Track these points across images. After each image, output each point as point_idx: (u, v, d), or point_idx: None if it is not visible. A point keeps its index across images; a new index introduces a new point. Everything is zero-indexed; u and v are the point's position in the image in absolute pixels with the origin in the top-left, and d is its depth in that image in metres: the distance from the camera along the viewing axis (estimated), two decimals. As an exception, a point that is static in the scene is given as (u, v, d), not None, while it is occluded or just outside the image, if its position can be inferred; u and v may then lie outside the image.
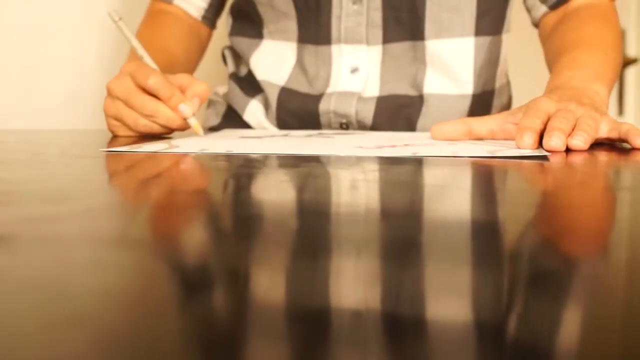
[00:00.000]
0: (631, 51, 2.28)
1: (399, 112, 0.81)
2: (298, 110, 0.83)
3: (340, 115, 0.81)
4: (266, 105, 0.86)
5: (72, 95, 1.09)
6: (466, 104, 0.82)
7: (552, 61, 0.76)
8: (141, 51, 0.71)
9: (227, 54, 0.93)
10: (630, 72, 2.32)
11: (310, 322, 0.14)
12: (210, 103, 0.94)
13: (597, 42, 0.73)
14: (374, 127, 0.81)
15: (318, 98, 0.81)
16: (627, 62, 2.27)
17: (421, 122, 0.81)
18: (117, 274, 0.18)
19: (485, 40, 0.81)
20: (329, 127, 0.82)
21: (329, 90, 0.81)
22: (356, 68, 0.80)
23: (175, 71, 0.72)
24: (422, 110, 0.81)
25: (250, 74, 0.87)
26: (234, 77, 0.90)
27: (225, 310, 0.15)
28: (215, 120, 0.91)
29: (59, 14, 1.08)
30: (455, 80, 0.81)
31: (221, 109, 0.92)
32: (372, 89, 0.81)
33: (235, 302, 0.15)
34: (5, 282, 0.16)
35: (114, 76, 0.69)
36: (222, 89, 0.94)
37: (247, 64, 0.88)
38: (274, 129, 0.84)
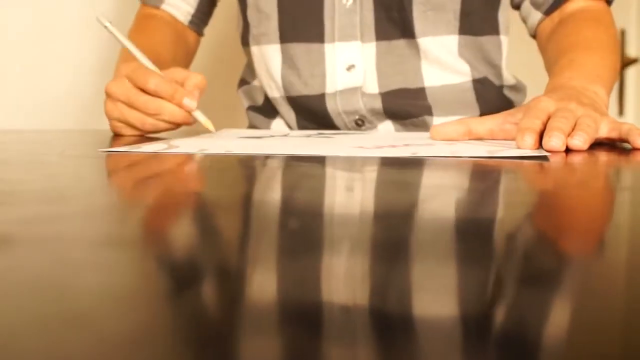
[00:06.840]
0: (631, 51, 2.28)
1: (406, 105, 0.82)
2: (311, 114, 0.84)
3: (350, 112, 0.81)
4: (288, 122, 0.87)
5: (70, 95, 1.09)
6: (470, 90, 0.83)
7: (550, 65, 0.77)
8: (134, 51, 0.70)
9: (241, 93, 0.94)
10: (630, 72, 2.32)
11: (309, 320, 0.14)
12: None
13: (594, 44, 0.74)
14: (387, 113, 0.81)
15: (321, 98, 0.82)
16: (627, 62, 2.27)
17: (433, 111, 0.82)
18: (117, 274, 0.18)
19: (471, 39, 0.82)
20: (345, 127, 0.83)
21: (328, 89, 0.81)
22: (352, 65, 0.81)
23: None
24: (427, 101, 0.82)
25: (267, 100, 0.88)
26: (252, 108, 0.91)
27: (224, 310, 0.15)
28: None
29: (58, 14, 1.08)
30: (452, 70, 0.82)
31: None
32: (372, 86, 0.81)
33: (235, 302, 0.15)
34: (5, 282, 0.16)
35: (111, 78, 0.69)
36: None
37: (256, 76, 0.88)
38: (276, 130, 0.85)
